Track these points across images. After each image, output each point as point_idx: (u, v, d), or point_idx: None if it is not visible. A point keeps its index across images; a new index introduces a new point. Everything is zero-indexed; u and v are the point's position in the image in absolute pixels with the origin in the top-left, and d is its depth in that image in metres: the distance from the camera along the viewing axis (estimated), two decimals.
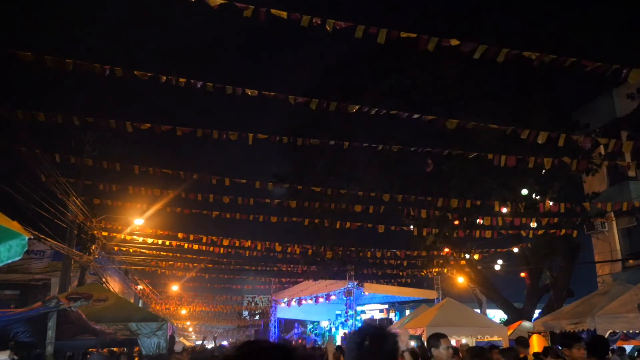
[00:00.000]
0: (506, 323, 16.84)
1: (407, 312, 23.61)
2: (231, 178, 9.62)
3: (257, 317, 38.65)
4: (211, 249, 14.14)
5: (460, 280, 20.40)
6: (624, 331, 9.89)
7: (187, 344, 26.10)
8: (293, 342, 22.59)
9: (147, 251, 15.92)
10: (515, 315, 17.57)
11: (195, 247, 14.37)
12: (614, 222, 17.02)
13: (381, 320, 24.84)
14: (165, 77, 6.47)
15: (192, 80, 6.60)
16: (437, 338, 4.35)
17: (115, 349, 12.31)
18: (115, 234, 15.06)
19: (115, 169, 9.36)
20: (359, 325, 20.51)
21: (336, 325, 23.36)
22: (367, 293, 21.98)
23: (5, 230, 3.49)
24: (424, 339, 11.59)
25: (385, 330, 2.24)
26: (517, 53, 6.04)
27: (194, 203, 11.00)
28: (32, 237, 7.42)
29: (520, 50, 6.04)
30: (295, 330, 26.23)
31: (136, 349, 12.00)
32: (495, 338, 12.33)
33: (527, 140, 7.74)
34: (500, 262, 18.66)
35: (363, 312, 25.44)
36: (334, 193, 11.59)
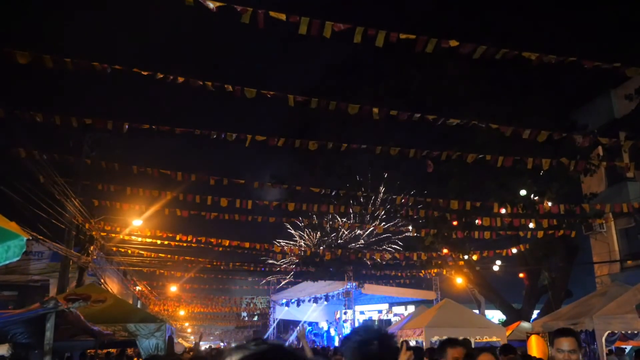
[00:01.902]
0: (504, 324, 16.83)
1: (405, 312, 23.60)
2: (229, 179, 9.62)
3: (256, 318, 38.65)
4: (210, 246, 14.13)
5: (459, 281, 20.39)
6: (622, 332, 9.90)
7: (186, 344, 26.04)
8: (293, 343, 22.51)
9: (146, 253, 15.90)
10: (513, 316, 17.57)
11: (194, 246, 14.38)
12: (613, 223, 17.04)
13: (380, 321, 24.83)
14: (162, 75, 6.43)
15: (190, 79, 6.58)
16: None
17: (113, 350, 12.30)
18: (113, 235, 15.03)
19: (114, 169, 9.34)
20: (357, 326, 20.48)
21: (335, 326, 23.34)
22: (366, 294, 21.99)
23: (3, 231, 3.48)
24: (422, 339, 11.58)
25: (388, 331, 2.24)
26: (516, 53, 6.04)
27: (192, 204, 11.00)
28: (31, 238, 7.40)
29: (519, 50, 6.04)
30: (291, 332, 26.20)
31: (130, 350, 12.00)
32: (494, 339, 12.32)
33: (526, 139, 7.74)
34: (498, 262, 18.66)
35: (362, 312, 25.43)
36: (332, 194, 11.59)
